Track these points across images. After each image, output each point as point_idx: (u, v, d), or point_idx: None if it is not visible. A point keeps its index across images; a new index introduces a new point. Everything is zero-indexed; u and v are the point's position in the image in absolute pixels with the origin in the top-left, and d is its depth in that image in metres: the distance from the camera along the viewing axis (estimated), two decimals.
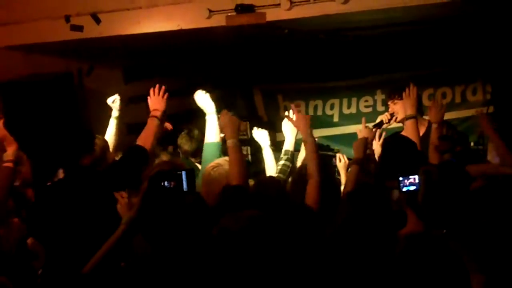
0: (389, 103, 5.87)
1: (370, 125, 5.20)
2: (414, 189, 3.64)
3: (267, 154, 5.40)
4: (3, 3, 7.03)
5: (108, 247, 3.10)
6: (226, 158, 4.64)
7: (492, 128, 4.75)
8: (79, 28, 6.58)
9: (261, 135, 5.48)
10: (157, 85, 4.53)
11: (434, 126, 5.11)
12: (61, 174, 4.76)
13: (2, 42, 7.05)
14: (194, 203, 3.18)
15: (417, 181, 3.65)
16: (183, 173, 3.16)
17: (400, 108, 5.60)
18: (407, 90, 5.31)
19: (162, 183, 3.12)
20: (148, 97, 4.53)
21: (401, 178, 3.68)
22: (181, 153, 5.94)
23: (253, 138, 5.65)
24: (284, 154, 5.11)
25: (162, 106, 4.49)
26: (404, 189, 3.67)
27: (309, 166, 4.01)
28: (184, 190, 3.15)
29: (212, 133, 5.02)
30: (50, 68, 7.43)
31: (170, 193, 3.12)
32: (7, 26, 7.02)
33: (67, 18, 6.61)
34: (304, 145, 4.23)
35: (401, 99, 5.48)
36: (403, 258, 3.13)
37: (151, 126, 4.38)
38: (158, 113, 4.45)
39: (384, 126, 5.65)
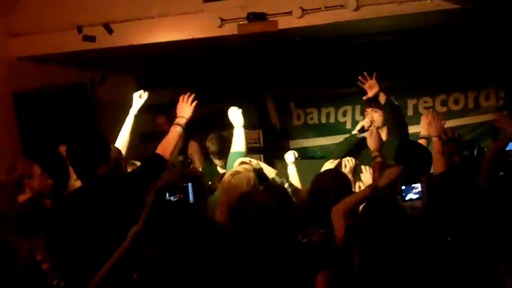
0: (368, 110, 5.88)
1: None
2: (417, 198, 3.63)
3: (291, 170, 5.49)
4: (16, 14, 7.08)
5: (114, 261, 3.11)
6: (245, 166, 4.67)
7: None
8: (92, 39, 6.62)
9: (289, 155, 5.59)
10: (188, 93, 4.50)
11: (434, 139, 4.91)
12: (72, 182, 4.76)
13: (16, 53, 7.10)
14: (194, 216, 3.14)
15: (420, 189, 3.63)
16: (189, 185, 3.15)
17: (379, 116, 5.73)
18: (429, 116, 5.17)
19: (169, 196, 3.11)
20: (178, 103, 4.48)
21: (403, 187, 3.66)
22: (208, 154, 5.99)
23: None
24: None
25: (188, 114, 4.43)
26: (407, 198, 3.65)
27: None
28: (191, 202, 3.14)
29: (239, 143, 5.16)
30: (63, 79, 7.48)
31: (176, 206, 3.11)
32: (20, 37, 7.07)
33: (80, 29, 6.66)
34: None
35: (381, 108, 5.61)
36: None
37: (173, 134, 4.31)
38: (183, 121, 4.39)
39: (365, 133, 5.61)
